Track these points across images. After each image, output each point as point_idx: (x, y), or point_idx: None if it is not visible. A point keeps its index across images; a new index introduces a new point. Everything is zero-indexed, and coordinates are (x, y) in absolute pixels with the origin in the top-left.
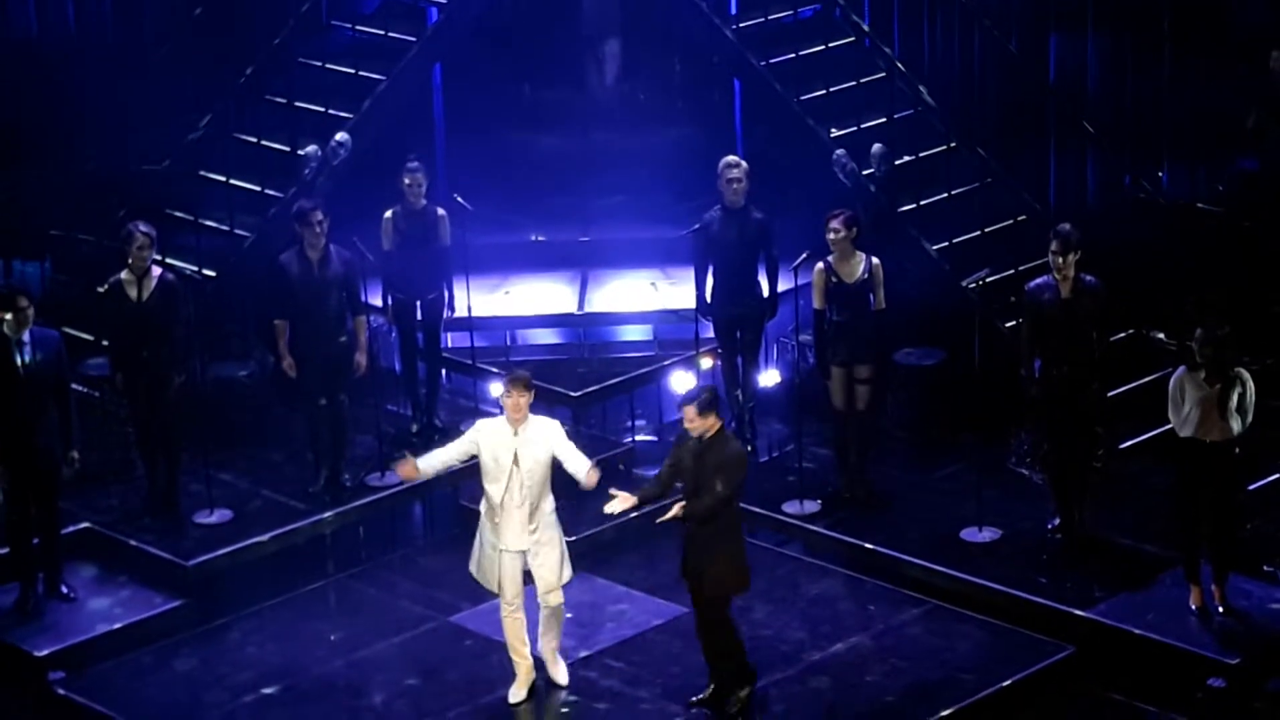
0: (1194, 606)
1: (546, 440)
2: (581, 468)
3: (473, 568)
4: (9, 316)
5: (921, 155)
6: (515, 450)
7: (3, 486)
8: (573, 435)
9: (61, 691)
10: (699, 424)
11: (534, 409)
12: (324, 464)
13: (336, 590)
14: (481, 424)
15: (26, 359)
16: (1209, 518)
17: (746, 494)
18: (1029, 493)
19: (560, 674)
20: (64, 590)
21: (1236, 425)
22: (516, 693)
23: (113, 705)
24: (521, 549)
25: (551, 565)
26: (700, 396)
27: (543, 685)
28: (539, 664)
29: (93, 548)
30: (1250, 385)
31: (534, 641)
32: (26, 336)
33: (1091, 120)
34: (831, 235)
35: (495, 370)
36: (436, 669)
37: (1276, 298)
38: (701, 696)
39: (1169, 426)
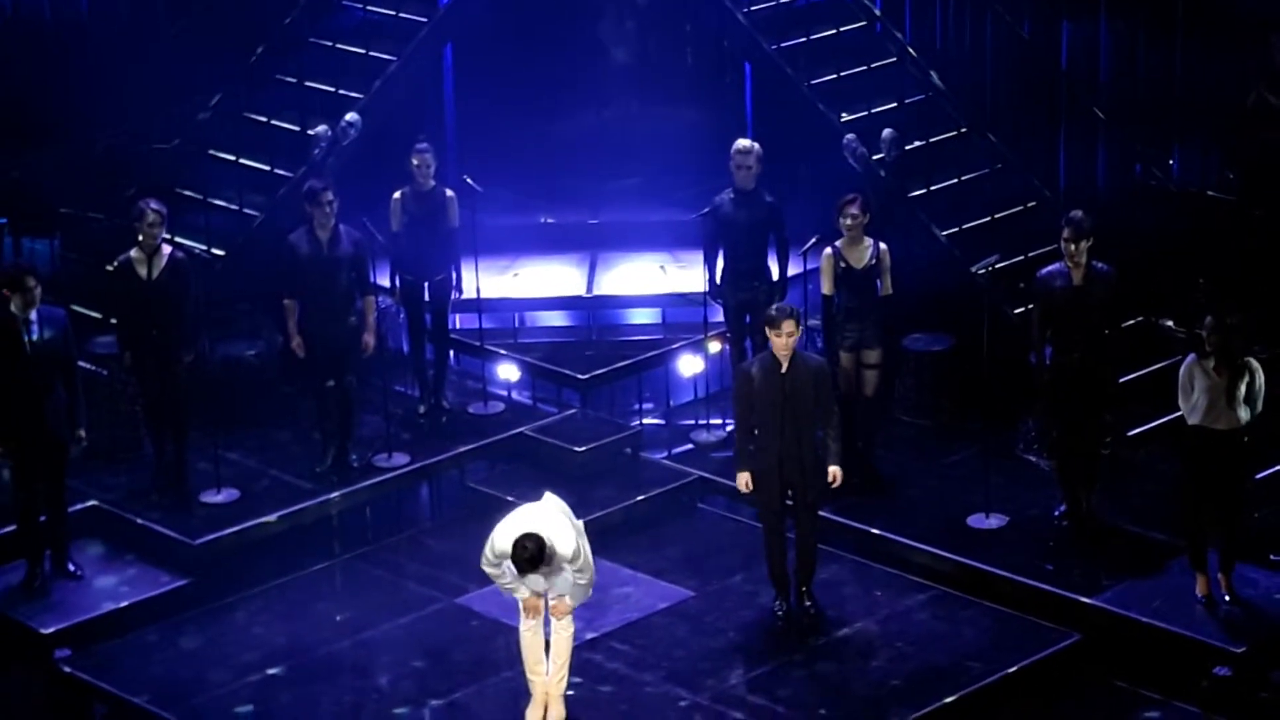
0: (1200, 595)
1: (570, 584)
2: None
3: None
4: (17, 295)
5: (932, 140)
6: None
7: (9, 464)
8: (580, 418)
9: (67, 669)
10: (791, 340)
11: (544, 390)
12: (331, 444)
13: (343, 571)
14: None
15: (34, 337)
16: (1216, 506)
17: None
18: (1036, 479)
19: (555, 717)
20: (71, 568)
21: (1245, 414)
22: (532, 713)
23: (118, 683)
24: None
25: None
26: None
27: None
28: None
29: (99, 526)
30: (1260, 375)
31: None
32: (34, 315)
33: (1102, 106)
34: (848, 220)
35: (503, 352)
36: (443, 650)
37: None
38: (783, 610)
39: (1178, 414)
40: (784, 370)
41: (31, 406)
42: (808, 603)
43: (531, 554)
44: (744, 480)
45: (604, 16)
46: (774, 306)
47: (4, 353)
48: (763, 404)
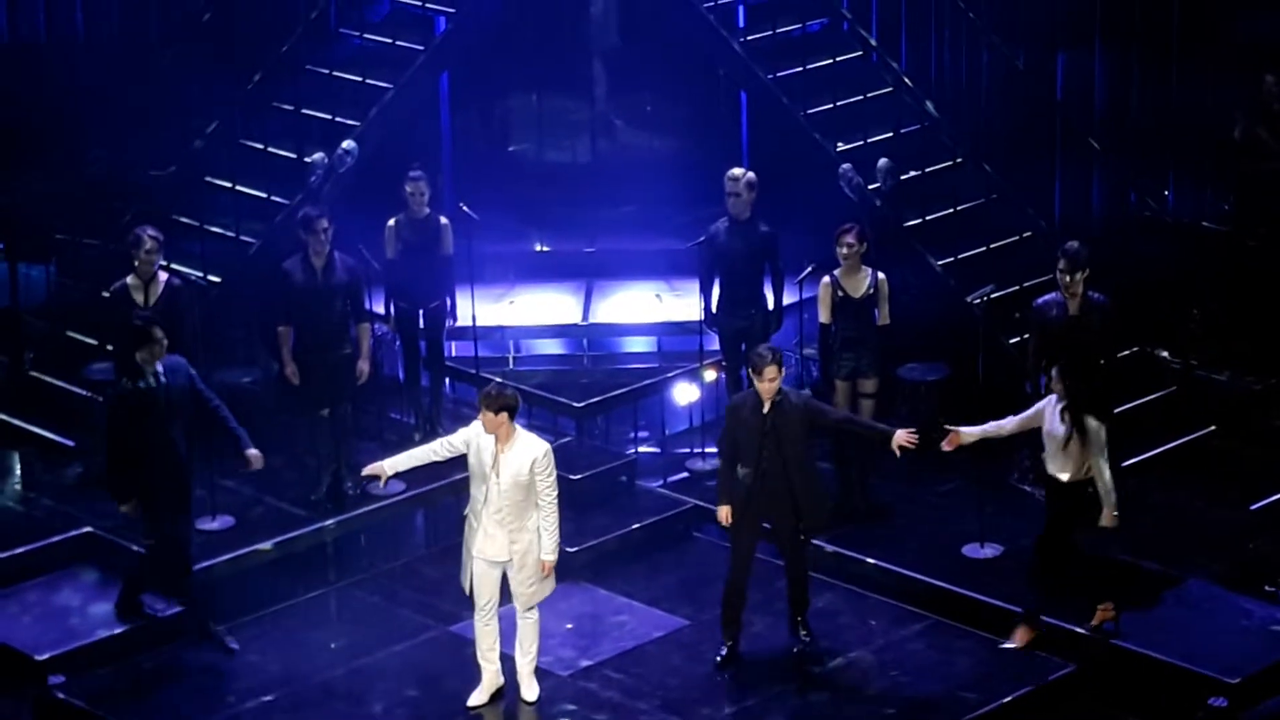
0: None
1: (530, 462)
2: (544, 544)
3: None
4: (144, 349)
5: (927, 170)
6: (497, 458)
7: (138, 514)
8: (575, 446)
9: (61, 696)
10: (773, 385)
11: (540, 417)
12: (326, 471)
13: (338, 598)
14: (476, 424)
15: (163, 385)
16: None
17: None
18: (1031, 509)
19: (529, 693)
20: (232, 646)
21: (1071, 470)
22: (477, 697)
23: (113, 711)
24: (497, 560)
25: (527, 581)
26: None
27: (538, 696)
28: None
29: (94, 552)
30: (1094, 434)
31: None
32: (160, 367)
33: (1098, 137)
34: (845, 250)
35: (498, 380)
36: (436, 678)
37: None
38: (724, 657)
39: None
40: (765, 410)
41: (167, 457)
42: (803, 632)
43: (493, 396)
44: (724, 514)
45: (599, 44)
46: (756, 351)
47: (131, 408)
48: (744, 439)
